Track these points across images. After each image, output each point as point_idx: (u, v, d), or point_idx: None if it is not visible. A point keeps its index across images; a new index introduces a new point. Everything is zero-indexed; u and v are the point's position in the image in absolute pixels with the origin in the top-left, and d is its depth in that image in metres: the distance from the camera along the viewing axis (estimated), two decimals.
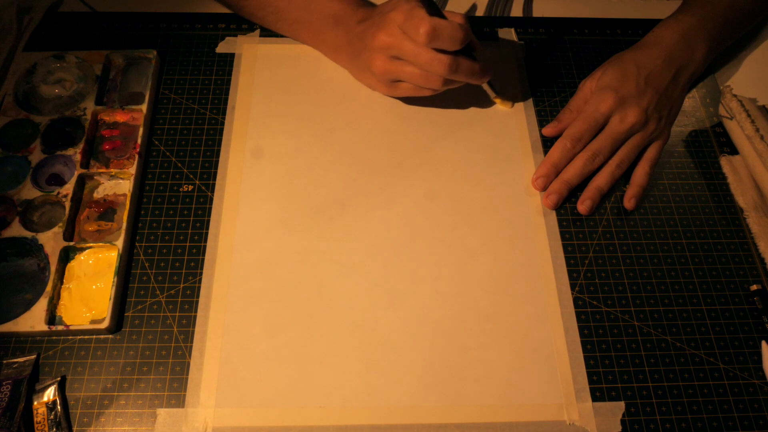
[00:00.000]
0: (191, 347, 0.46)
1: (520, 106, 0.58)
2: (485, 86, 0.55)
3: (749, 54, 0.63)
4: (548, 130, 0.56)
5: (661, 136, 0.54)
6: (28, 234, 0.48)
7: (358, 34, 0.53)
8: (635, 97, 0.53)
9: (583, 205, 0.52)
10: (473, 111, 0.58)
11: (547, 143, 0.56)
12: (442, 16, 0.48)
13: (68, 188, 0.50)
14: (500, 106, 0.58)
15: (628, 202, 0.53)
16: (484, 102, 0.58)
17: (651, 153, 0.54)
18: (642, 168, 0.54)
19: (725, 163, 0.56)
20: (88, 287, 0.47)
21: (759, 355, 0.47)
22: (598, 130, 0.53)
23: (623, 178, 0.54)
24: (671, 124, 0.56)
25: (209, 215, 0.51)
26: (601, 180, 0.53)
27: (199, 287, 0.48)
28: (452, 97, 0.58)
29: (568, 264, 0.50)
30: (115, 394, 0.44)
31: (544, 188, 0.53)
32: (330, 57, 0.59)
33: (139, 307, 0.47)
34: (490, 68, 0.52)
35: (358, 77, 0.57)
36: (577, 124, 0.53)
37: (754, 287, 0.50)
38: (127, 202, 0.50)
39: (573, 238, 0.52)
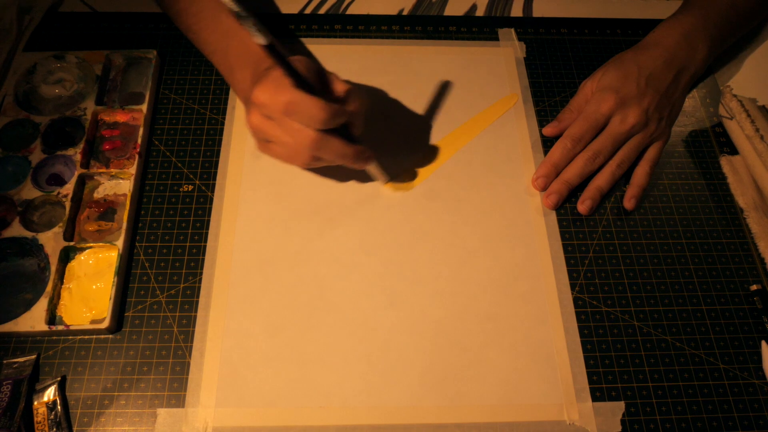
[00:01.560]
0: (191, 347, 0.46)
1: (520, 106, 0.58)
2: (371, 171, 0.51)
3: (749, 54, 0.63)
4: (548, 130, 0.56)
5: (661, 136, 0.54)
6: (29, 234, 0.48)
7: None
8: (636, 98, 0.53)
9: (583, 205, 0.52)
10: (473, 111, 0.58)
11: (547, 143, 0.56)
12: (316, 86, 0.43)
13: (68, 188, 0.50)
14: (395, 192, 0.53)
15: (628, 202, 0.53)
16: (484, 102, 0.58)
17: (651, 153, 0.54)
18: (642, 168, 0.54)
19: (725, 163, 0.56)
20: (89, 287, 0.47)
21: (759, 355, 0.47)
22: (599, 130, 0.53)
23: (623, 178, 0.54)
24: (672, 125, 0.56)
25: (209, 215, 0.51)
26: (602, 180, 0.53)
27: (199, 287, 0.48)
28: (452, 97, 0.58)
29: (568, 264, 0.50)
30: (116, 394, 0.44)
31: (544, 188, 0.53)
32: (236, 95, 0.55)
33: (140, 307, 0.47)
34: (369, 154, 0.48)
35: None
36: (578, 124, 0.53)
37: (754, 287, 0.50)
38: (127, 202, 0.50)
39: (573, 238, 0.52)
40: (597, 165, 0.53)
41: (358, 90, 0.46)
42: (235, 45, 0.51)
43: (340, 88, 0.45)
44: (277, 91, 0.42)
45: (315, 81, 0.45)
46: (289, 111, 0.42)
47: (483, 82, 0.59)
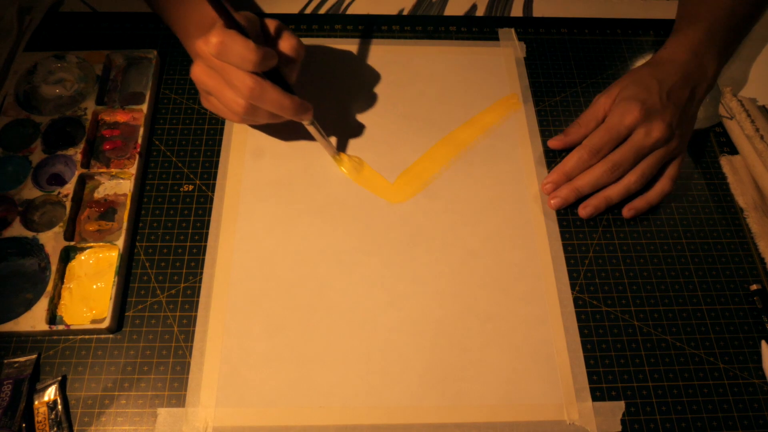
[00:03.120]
0: (192, 347, 0.46)
1: (520, 105, 0.58)
2: (313, 132, 0.50)
3: (750, 55, 0.63)
4: (554, 143, 0.55)
5: (680, 152, 0.53)
6: (29, 234, 0.48)
7: None
8: (660, 112, 0.50)
9: (584, 210, 0.51)
10: (472, 111, 0.58)
11: (547, 141, 0.56)
12: (256, 37, 0.44)
13: (69, 188, 0.50)
14: (341, 169, 0.53)
15: (628, 212, 0.52)
16: (484, 102, 0.58)
17: (673, 170, 0.52)
18: (661, 185, 0.52)
19: (725, 163, 0.56)
20: (89, 287, 0.47)
21: (759, 354, 0.47)
22: (620, 142, 0.51)
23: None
24: (688, 141, 0.54)
25: (209, 215, 0.51)
26: (614, 191, 0.51)
27: (199, 287, 0.48)
28: (452, 97, 0.58)
29: (568, 264, 0.50)
30: (116, 393, 0.44)
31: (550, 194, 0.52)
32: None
33: (140, 306, 0.47)
34: (308, 107, 0.47)
35: None
36: (598, 135, 0.51)
37: (754, 287, 0.50)
38: (128, 202, 0.50)
39: (573, 238, 0.52)
40: (615, 177, 0.51)
41: (293, 34, 0.47)
42: (190, 11, 0.51)
43: (272, 27, 0.46)
44: (211, 35, 0.42)
45: (256, 32, 0.45)
46: (219, 52, 0.42)
47: (483, 82, 0.59)
